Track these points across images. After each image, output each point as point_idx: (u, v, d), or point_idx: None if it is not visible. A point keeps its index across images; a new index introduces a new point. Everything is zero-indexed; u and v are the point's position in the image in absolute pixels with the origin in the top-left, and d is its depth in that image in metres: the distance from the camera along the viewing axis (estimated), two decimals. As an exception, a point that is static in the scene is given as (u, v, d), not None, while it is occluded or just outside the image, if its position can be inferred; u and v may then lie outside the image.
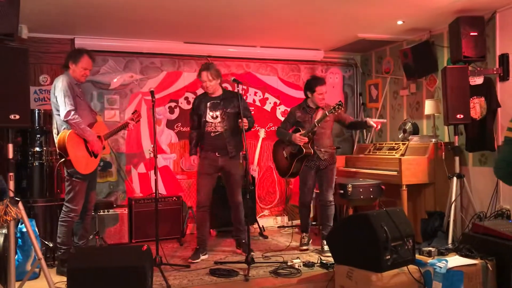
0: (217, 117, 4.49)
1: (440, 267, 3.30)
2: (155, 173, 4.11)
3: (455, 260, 3.42)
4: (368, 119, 4.70)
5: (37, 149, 4.59)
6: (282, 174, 4.94)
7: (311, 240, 4.91)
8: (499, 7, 4.49)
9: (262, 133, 6.04)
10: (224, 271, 3.99)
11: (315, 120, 4.57)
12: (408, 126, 5.59)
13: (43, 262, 3.28)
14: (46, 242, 4.29)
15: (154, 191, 4.17)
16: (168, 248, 4.92)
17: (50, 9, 4.32)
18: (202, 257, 4.47)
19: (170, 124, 5.90)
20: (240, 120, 4.28)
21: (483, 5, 4.42)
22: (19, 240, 3.86)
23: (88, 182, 4.11)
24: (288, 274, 3.91)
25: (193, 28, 5.12)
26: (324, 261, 4.11)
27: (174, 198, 5.50)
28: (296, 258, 4.23)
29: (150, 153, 5.10)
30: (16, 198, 3.15)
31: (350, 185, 4.58)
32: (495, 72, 4.55)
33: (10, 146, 3.30)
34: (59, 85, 3.93)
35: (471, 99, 4.58)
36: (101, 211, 5.02)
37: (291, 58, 6.40)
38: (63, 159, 3.87)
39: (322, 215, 4.77)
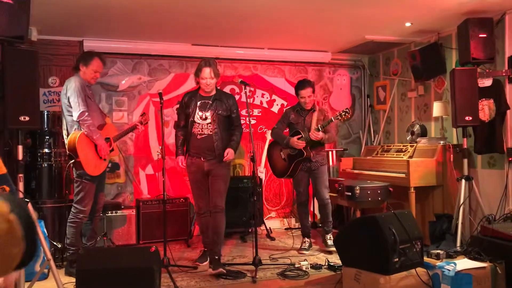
0: (206, 118, 4.18)
1: (449, 270, 3.28)
2: (163, 175, 4.12)
3: (463, 263, 3.40)
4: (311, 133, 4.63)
5: (46, 150, 4.62)
6: (279, 174, 5.02)
7: (311, 247, 4.91)
8: (508, 8, 4.47)
9: (269, 135, 6.02)
10: (232, 272, 3.99)
11: (319, 125, 4.66)
12: (416, 128, 5.56)
13: (52, 263, 3.30)
14: (55, 243, 4.31)
15: (162, 193, 4.19)
16: (175, 249, 4.93)
17: (59, 12, 4.35)
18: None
19: (177, 126, 5.91)
20: (226, 152, 4.13)
21: (492, 7, 4.39)
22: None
23: (96, 184, 4.13)
24: (296, 276, 3.91)
25: (201, 30, 5.14)
26: (331, 263, 4.10)
27: (182, 199, 5.50)
28: (304, 260, 4.23)
29: (158, 154, 5.12)
30: (25, 199, 3.17)
31: (358, 187, 4.57)
32: (504, 74, 4.52)
33: (20, 148, 3.34)
34: (72, 86, 3.94)
35: (480, 101, 4.55)
36: (109, 212, 5.05)
37: (298, 60, 6.40)
38: (73, 160, 3.89)
39: (321, 213, 4.98)
